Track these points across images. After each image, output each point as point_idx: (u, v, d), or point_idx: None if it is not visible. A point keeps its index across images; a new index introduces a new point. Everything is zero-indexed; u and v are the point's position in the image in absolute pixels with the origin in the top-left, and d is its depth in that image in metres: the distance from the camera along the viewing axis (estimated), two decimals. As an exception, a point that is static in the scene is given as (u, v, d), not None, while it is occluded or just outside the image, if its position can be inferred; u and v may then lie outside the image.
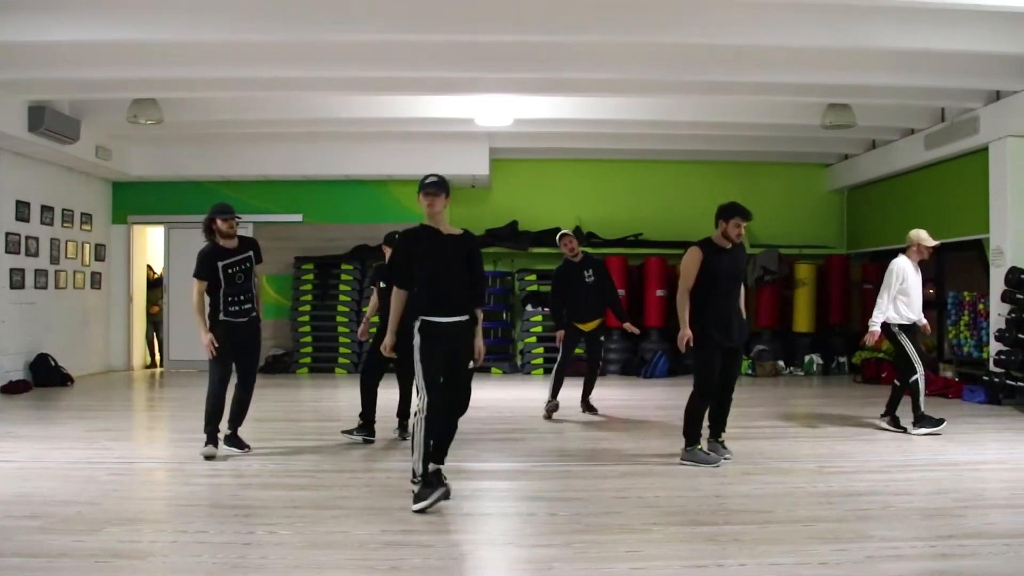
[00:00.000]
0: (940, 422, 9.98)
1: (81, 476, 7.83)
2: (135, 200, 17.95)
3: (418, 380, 6.72)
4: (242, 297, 8.68)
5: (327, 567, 5.37)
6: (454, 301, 6.83)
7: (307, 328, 17.48)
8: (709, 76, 12.13)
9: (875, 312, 10.20)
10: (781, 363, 17.36)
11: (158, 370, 18.25)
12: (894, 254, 17.02)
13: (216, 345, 8.53)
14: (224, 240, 8.72)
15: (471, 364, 6.90)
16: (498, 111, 14.42)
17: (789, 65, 11.85)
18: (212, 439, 8.63)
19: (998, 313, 12.87)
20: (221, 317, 8.63)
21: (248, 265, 8.72)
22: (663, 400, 13.40)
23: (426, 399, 6.64)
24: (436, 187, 6.87)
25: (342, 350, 17.34)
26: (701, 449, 8.39)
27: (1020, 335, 12.23)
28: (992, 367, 12.81)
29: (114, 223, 17.96)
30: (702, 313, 8.29)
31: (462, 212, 18.38)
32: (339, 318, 17.36)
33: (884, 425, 10.24)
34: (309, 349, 17.49)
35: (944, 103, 13.91)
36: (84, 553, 5.52)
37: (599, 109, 14.54)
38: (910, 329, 10.25)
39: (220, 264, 8.61)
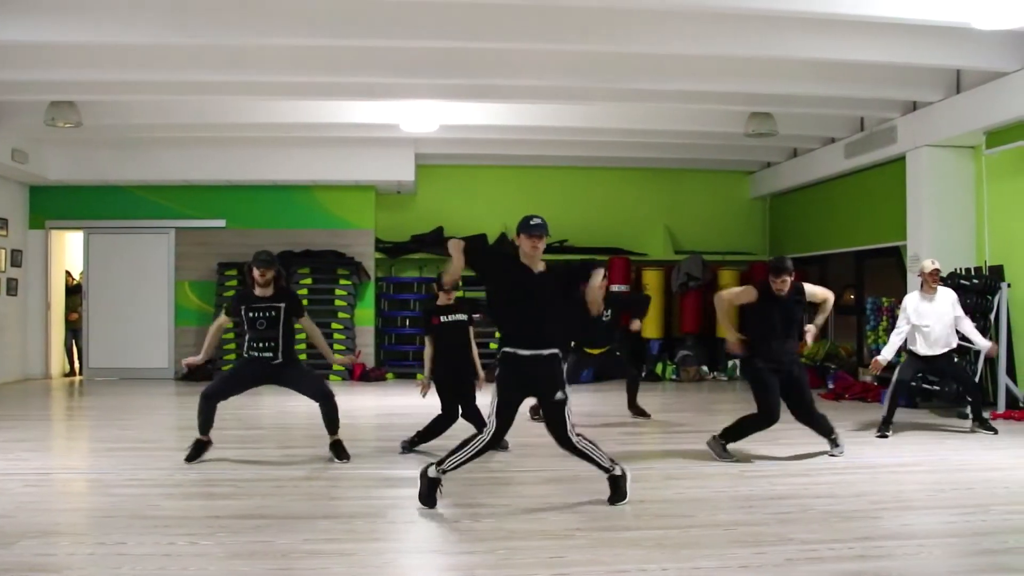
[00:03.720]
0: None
1: (-5, 488, 7.68)
2: (53, 205, 17.61)
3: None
4: (262, 344, 8.77)
5: (249, 577, 5.32)
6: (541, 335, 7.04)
7: (230, 335, 17.27)
8: (633, 84, 12.24)
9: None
10: (705, 368, 17.54)
11: (77, 378, 17.93)
12: (817, 260, 17.34)
13: (189, 366, 8.99)
14: (259, 288, 8.79)
15: (557, 395, 7.02)
16: (424, 117, 14.40)
17: (712, 74, 12.01)
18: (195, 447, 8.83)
19: (915, 319, 13.10)
20: (244, 355, 8.99)
21: (273, 314, 8.73)
22: (588, 406, 13.45)
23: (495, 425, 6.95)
24: (541, 229, 7.21)
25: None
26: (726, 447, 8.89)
27: (936, 340, 12.47)
28: (909, 371, 13.05)
29: (31, 228, 17.60)
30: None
31: (387, 217, 18.42)
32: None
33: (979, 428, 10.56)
34: (232, 356, 17.29)
35: (863, 113, 14.18)
36: (-2, 567, 5.41)
37: (525, 116, 14.57)
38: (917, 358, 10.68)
39: (243, 307, 8.76)
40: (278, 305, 8.74)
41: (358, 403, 13.58)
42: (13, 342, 17.05)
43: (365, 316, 17.87)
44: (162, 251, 17.81)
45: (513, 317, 7.09)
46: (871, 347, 15.07)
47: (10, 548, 5.80)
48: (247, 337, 8.85)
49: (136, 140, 16.27)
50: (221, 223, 17.74)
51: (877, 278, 15.72)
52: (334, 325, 17.31)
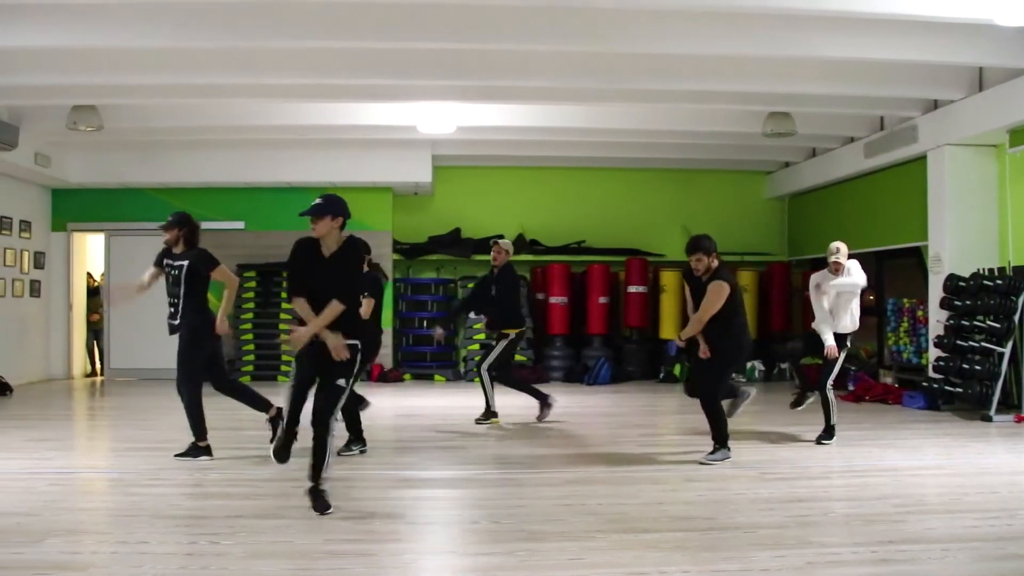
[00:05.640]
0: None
1: (20, 487, 7.73)
2: (75, 207, 17.71)
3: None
4: (170, 300, 8.97)
5: (270, 578, 5.33)
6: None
7: (249, 336, 17.35)
8: (649, 85, 12.19)
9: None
10: (723, 369, 17.46)
11: (98, 379, 18.02)
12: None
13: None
14: (174, 247, 9.03)
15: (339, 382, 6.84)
16: (441, 118, 14.38)
17: (729, 74, 11.96)
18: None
19: (937, 320, 13.04)
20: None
21: (177, 273, 8.88)
22: (605, 407, 13.46)
23: None
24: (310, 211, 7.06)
25: (284, 358, 17.22)
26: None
27: (958, 342, 12.39)
28: (931, 373, 12.98)
29: (54, 231, 17.70)
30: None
31: (405, 219, 18.45)
32: (281, 326, 17.25)
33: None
34: (251, 357, 17.36)
35: (883, 112, 14.10)
36: (23, 565, 5.44)
37: (542, 117, 14.55)
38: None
39: (165, 262, 9.01)
40: (181, 263, 8.88)
41: (375, 404, 13.56)
42: (36, 343, 17.15)
43: (383, 317, 17.81)
44: (181, 252, 17.83)
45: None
46: (892, 348, 15.02)
47: (36, 546, 5.85)
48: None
49: (155, 143, 16.32)
50: (240, 225, 17.75)
51: (898, 279, 15.62)
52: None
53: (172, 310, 8.92)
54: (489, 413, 11.57)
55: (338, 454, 9.21)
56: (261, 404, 9.19)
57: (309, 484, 6.75)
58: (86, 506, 7.43)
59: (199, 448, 8.89)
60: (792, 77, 12.09)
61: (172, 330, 8.92)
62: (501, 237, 12.01)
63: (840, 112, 14.09)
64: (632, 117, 14.67)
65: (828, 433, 9.90)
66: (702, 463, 8.64)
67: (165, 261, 8.99)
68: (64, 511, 6.95)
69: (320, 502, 6.71)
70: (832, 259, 10.05)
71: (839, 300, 10.14)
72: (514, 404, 11.84)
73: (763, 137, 14.35)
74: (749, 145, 16.57)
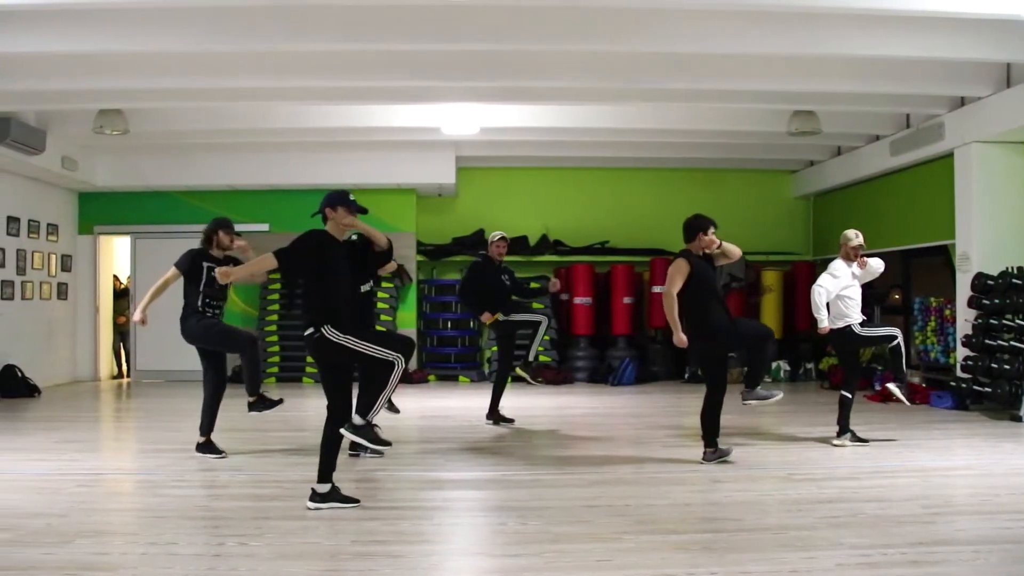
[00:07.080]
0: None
1: (50, 488, 7.78)
2: (101, 210, 17.80)
3: None
4: (216, 301, 9.19)
5: (298, 579, 5.35)
6: None
7: (274, 338, 17.38)
8: (672, 84, 12.15)
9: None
10: (747, 368, 17.38)
11: (125, 381, 18.11)
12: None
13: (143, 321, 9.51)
14: (216, 251, 9.16)
15: None
16: (464, 119, 14.40)
17: (754, 73, 11.92)
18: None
19: (965, 319, 12.95)
20: (200, 315, 9.22)
21: None
22: (631, 408, 13.43)
23: None
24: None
25: (310, 359, 17.26)
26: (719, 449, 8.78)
27: (987, 341, 12.30)
28: (959, 373, 12.89)
29: (80, 233, 17.82)
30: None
31: (429, 220, 18.47)
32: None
33: (845, 443, 9.70)
34: (277, 359, 17.39)
35: (909, 109, 14.00)
36: (54, 566, 5.48)
37: (565, 117, 14.54)
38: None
39: (205, 264, 9.04)
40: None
41: (400, 405, 13.60)
42: (63, 345, 17.26)
43: (407, 319, 17.86)
44: (207, 255, 17.90)
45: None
46: (919, 348, 14.92)
47: (66, 547, 5.89)
48: (202, 295, 9.13)
49: (181, 146, 16.40)
50: (265, 227, 17.71)
51: (925, 277, 15.53)
52: (376, 328, 17.34)
53: (215, 311, 9.18)
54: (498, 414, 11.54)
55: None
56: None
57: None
58: (114, 507, 7.48)
59: (264, 401, 9.11)
60: (817, 75, 12.02)
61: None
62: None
63: (865, 110, 14.01)
64: (655, 117, 14.62)
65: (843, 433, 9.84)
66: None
67: (208, 263, 9.06)
68: (93, 512, 7.01)
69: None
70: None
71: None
72: (534, 404, 11.81)
73: (788, 136, 14.29)
74: (774, 144, 16.51)
